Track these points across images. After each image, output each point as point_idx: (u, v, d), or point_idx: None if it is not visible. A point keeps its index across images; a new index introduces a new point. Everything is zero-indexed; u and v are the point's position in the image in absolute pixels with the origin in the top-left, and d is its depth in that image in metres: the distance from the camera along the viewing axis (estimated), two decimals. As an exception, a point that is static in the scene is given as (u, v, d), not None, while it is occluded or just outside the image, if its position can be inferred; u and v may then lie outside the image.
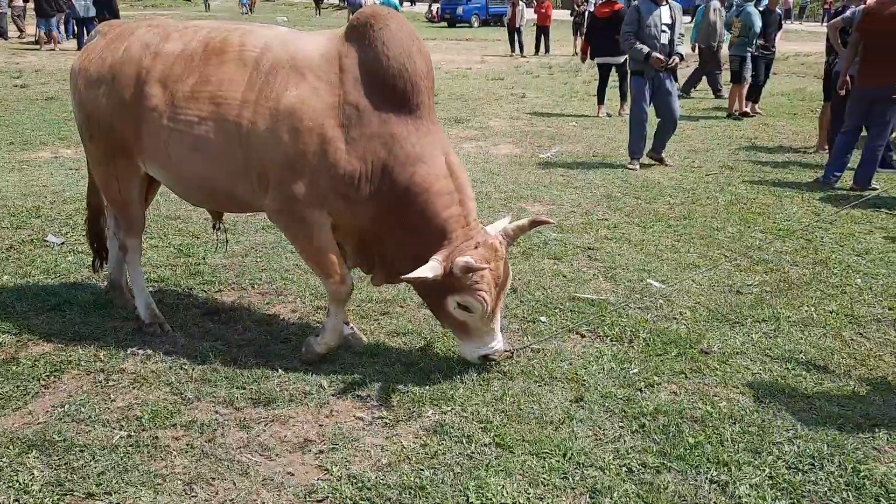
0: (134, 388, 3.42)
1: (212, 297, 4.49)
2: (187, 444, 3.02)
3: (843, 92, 7.64)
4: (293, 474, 2.87)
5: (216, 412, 3.26)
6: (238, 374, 3.53)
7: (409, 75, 3.39)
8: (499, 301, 3.52)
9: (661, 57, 7.91)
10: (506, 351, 3.66)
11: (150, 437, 3.05)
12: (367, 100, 3.36)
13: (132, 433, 3.07)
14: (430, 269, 3.30)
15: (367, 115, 3.36)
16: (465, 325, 3.51)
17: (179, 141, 3.53)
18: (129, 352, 3.71)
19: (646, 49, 7.94)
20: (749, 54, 11.83)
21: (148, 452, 2.94)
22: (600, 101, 12.34)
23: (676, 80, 8.20)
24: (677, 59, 8.10)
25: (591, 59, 12.66)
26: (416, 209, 3.40)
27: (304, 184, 3.40)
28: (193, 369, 3.58)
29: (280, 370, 3.58)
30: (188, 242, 5.36)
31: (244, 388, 3.42)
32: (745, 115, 12.26)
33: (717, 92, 14.36)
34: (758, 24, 11.68)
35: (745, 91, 12.27)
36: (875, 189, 7.44)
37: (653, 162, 8.44)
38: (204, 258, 5.07)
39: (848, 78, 7.59)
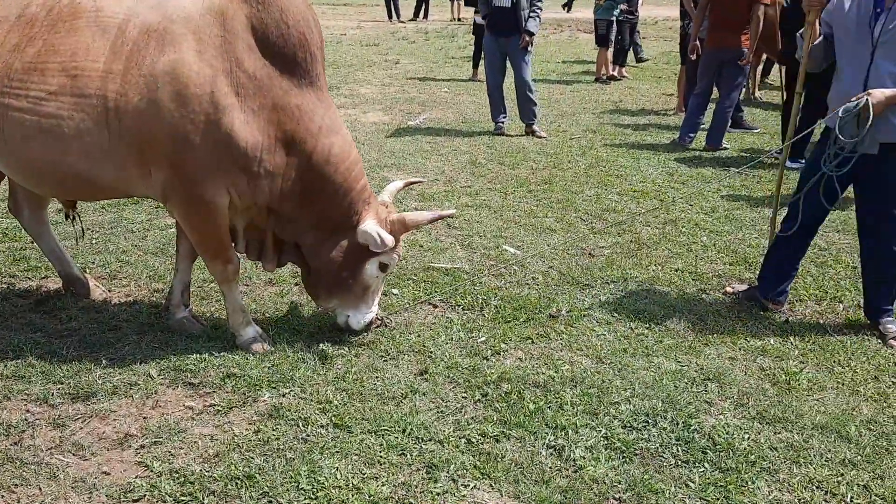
0: (-68, 390, 3.09)
1: (37, 284, 4.14)
2: (-11, 450, 2.75)
3: (693, 56, 7.87)
4: (108, 473, 2.66)
5: (27, 411, 2.98)
6: (56, 368, 3.25)
7: (309, 45, 3.21)
8: None
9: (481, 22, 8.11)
10: (378, 319, 3.70)
11: (-55, 444, 2.76)
12: (265, 69, 3.14)
13: (-76, 442, 2.77)
14: (388, 235, 3.36)
15: (265, 84, 3.14)
16: (368, 289, 3.54)
17: (19, 121, 3.08)
18: (-70, 350, 3.36)
19: (482, 11, 8.05)
20: (615, 18, 12.05)
21: (-59, 462, 2.66)
22: (475, 64, 12.32)
23: (526, 50, 8.09)
24: (527, 39, 7.89)
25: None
26: (337, 180, 3.34)
27: (198, 158, 3.09)
28: (5, 365, 3.26)
29: (105, 361, 3.32)
30: (16, 225, 4.90)
31: (62, 383, 3.15)
32: (613, 78, 12.53)
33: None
34: None
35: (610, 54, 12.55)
36: (726, 148, 7.75)
37: (523, 129, 8.45)
38: (31, 242, 4.64)
39: (698, 42, 7.82)
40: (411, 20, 22.55)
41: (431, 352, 3.55)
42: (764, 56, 10.36)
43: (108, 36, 3.08)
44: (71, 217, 3.86)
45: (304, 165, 3.27)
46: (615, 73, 12.86)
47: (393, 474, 2.72)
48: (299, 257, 3.55)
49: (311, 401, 3.13)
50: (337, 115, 3.41)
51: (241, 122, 3.10)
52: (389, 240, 3.36)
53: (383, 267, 3.53)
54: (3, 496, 2.53)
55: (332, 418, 3.01)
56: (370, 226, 3.38)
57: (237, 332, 3.50)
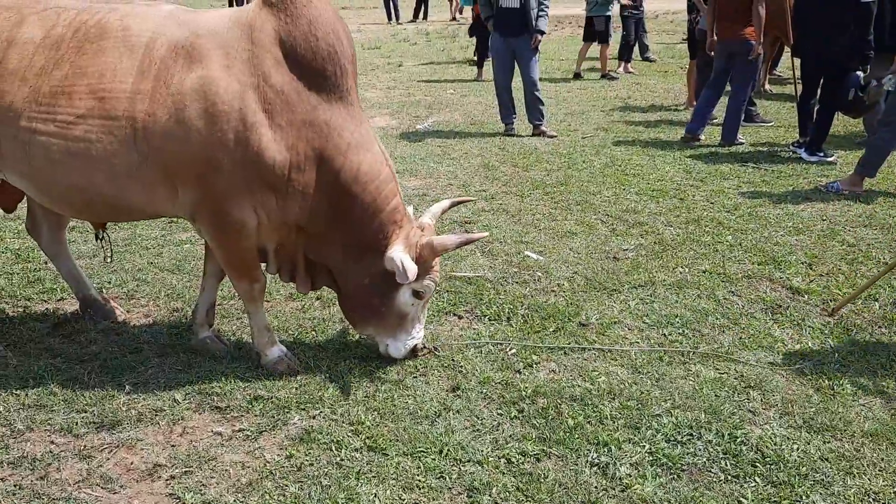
0: (-48, 423, 3.00)
1: (53, 307, 4.04)
2: (15, 485, 2.65)
3: (712, 52, 7.73)
4: (139, 507, 2.58)
5: (52, 442, 2.89)
6: (79, 396, 3.15)
7: (339, 58, 3.10)
8: None
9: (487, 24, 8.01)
10: (425, 347, 3.52)
11: (-32, 481, 2.66)
12: (293, 83, 3.04)
13: (-53, 479, 2.67)
14: (412, 266, 3.16)
15: (293, 100, 3.04)
16: (405, 316, 3.35)
17: (47, 145, 3.01)
18: (-52, 381, 3.27)
19: (485, 13, 7.91)
20: (611, 14, 11.97)
21: (-35, 501, 2.57)
22: (480, 64, 12.29)
23: (536, 49, 8.05)
24: (539, 38, 7.90)
25: None
26: (365, 200, 3.18)
27: (226, 176, 3.00)
28: (27, 394, 3.17)
29: (128, 386, 3.23)
30: (28, 245, 4.83)
31: (85, 412, 3.06)
32: (606, 76, 12.35)
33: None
34: None
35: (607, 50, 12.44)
36: (741, 143, 7.64)
37: (532, 130, 8.35)
38: (46, 263, 4.57)
39: (715, 38, 7.69)
40: (411, 21, 22.43)
41: (461, 366, 3.45)
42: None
43: (135, 55, 3.00)
44: (101, 237, 3.76)
45: (332, 184, 3.14)
46: (620, 70, 12.78)
47: (433, 499, 2.62)
48: (332, 280, 3.42)
49: (343, 422, 3.03)
50: (368, 131, 3.27)
51: (269, 140, 3.00)
52: (412, 271, 3.14)
53: (417, 294, 3.32)
54: (31, 535, 2.44)
55: (366, 440, 2.91)
56: (396, 253, 3.18)
57: (262, 352, 3.40)
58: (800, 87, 7.59)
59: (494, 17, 7.93)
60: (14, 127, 3.03)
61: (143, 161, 3.01)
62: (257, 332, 3.40)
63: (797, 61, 8.18)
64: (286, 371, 3.35)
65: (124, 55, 3.00)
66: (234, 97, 2.96)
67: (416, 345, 3.42)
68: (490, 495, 2.63)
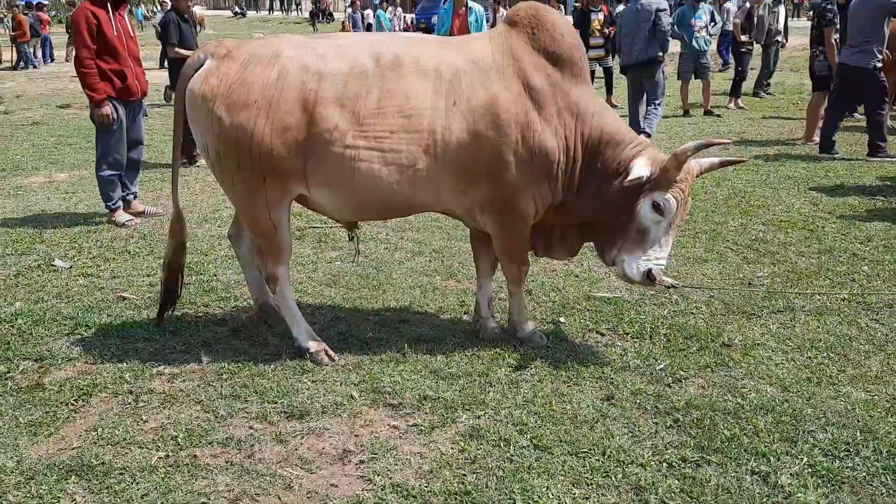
0: (164, 407, 3.39)
1: (228, 313, 4.46)
2: (226, 462, 2.99)
3: None
4: (336, 486, 2.86)
5: (251, 427, 3.23)
6: (268, 389, 3.51)
7: (580, 45, 3.79)
8: (682, 217, 3.77)
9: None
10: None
11: (188, 455, 3.02)
12: (550, 78, 3.65)
13: (169, 453, 3.04)
14: (642, 168, 3.54)
15: (552, 92, 3.64)
16: (644, 232, 3.66)
17: (368, 158, 3.52)
18: (154, 371, 3.68)
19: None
20: (700, 49, 12.07)
21: (188, 471, 2.92)
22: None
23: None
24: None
25: None
26: (608, 155, 3.68)
27: (512, 172, 3.60)
28: (222, 386, 3.55)
29: (308, 382, 3.57)
30: (197, 260, 5.32)
31: (276, 403, 3.40)
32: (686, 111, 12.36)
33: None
34: (690, 20, 11.86)
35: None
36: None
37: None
38: (215, 275, 5.04)
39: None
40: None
41: (612, 378, 3.63)
42: None
43: (428, 79, 3.56)
44: (353, 237, 4.22)
45: (585, 151, 3.70)
46: (731, 105, 12.74)
47: (602, 495, 2.81)
48: (581, 234, 3.92)
49: (507, 423, 3.26)
50: (600, 99, 3.85)
51: (540, 133, 3.60)
52: (635, 172, 3.50)
53: (657, 209, 3.57)
54: (248, 504, 2.76)
55: (531, 440, 3.13)
56: (635, 161, 3.59)
57: (520, 327, 4.02)
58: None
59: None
60: (340, 146, 3.51)
61: (438, 166, 3.58)
62: (517, 309, 4.03)
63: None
64: (539, 342, 3.96)
65: (420, 79, 3.55)
66: (511, 106, 3.56)
67: (651, 269, 3.65)
68: (657, 494, 2.79)
